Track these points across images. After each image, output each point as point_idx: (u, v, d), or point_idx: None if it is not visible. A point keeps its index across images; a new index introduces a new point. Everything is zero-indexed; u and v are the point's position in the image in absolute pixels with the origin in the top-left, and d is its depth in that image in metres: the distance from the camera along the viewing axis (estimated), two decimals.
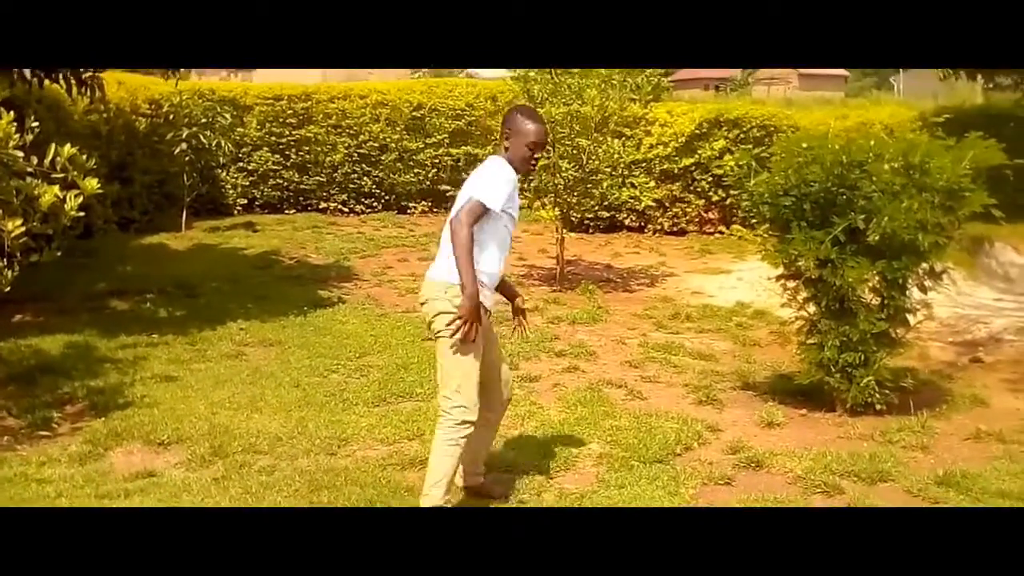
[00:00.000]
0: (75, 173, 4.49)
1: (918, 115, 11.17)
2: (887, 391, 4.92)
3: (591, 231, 11.77)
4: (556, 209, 8.87)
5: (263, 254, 9.56)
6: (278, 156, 12.22)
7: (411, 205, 12.55)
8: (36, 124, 4.53)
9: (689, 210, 11.79)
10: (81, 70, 6.56)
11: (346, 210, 12.45)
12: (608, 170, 8.93)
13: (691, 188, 11.71)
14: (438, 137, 12.29)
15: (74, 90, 6.72)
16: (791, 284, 5.16)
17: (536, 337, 6.47)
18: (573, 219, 10.29)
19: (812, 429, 4.82)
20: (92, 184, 4.51)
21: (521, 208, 3.94)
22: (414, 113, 12.29)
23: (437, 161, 12.35)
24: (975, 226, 6.08)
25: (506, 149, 3.53)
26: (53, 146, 4.44)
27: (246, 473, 3.95)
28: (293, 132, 12.17)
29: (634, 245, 11.14)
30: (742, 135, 11.30)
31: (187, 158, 10.64)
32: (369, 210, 12.49)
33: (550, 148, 7.85)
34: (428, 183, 12.43)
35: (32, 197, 4.32)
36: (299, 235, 10.77)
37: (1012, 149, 4.92)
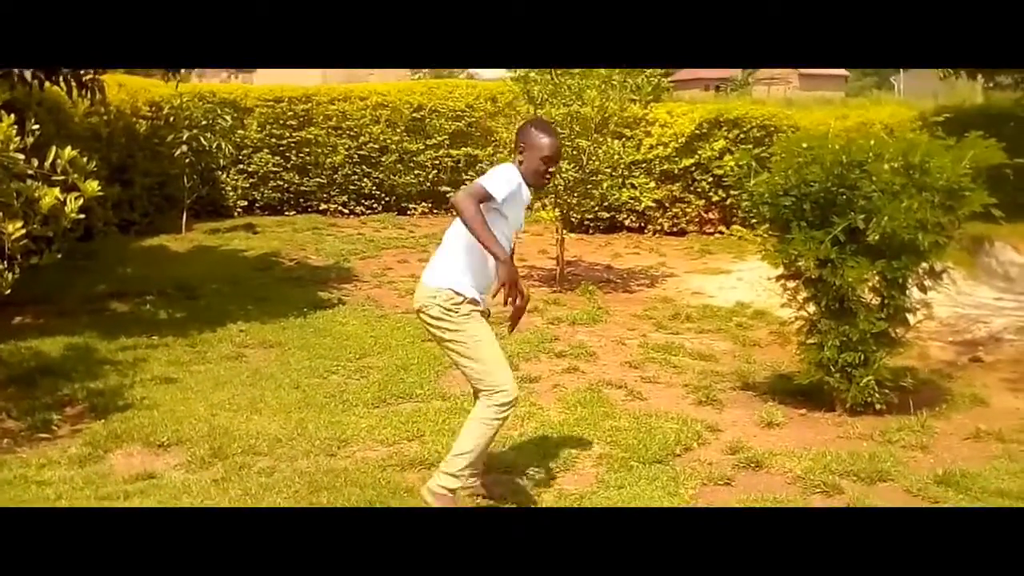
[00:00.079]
0: (75, 175, 4.49)
1: (918, 115, 11.17)
2: (887, 391, 4.92)
3: (591, 232, 11.78)
4: (556, 210, 8.87)
5: (263, 256, 9.56)
6: (278, 158, 12.23)
7: (411, 206, 12.56)
8: (37, 127, 4.53)
9: (689, 210, 11.79)
10: (82, 72, 6.57)
11: (346, 211, 12.46)
12: (608, 171, 8.93)
13: (691, 188, 11.71)
14: (438, 138, 12.30)
15: (75, 92, 6.72)
16: (791, 284, 5.16)
17: (536, 338, 6.48)
18: (573, 220, 10.30)
19: (812, 429, 4.82)
20: (92, 186, 4.51)
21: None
22: (414, 114, 12.29)
23: (437, 162, 12.36)
24: (975, 225, 6.08)
25: (520, 163, 3.55)
26: (54, 148, 4.44)
27: (246, 475, 3.95)
28: (293, 134, 12.18)
29: (634, 246, 11.15)
30: (742, 135, 11.30)
31: (187, 160, 10.65)
32: (369, 211, 12.50)
33: None
34: (428, 184, 12.44)
35: (32, 199, 4.32)
36: (299, 237, 10.78)
37: (1012, 148, 4.92)
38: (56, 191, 4.37)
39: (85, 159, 4.53)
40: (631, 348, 6.45)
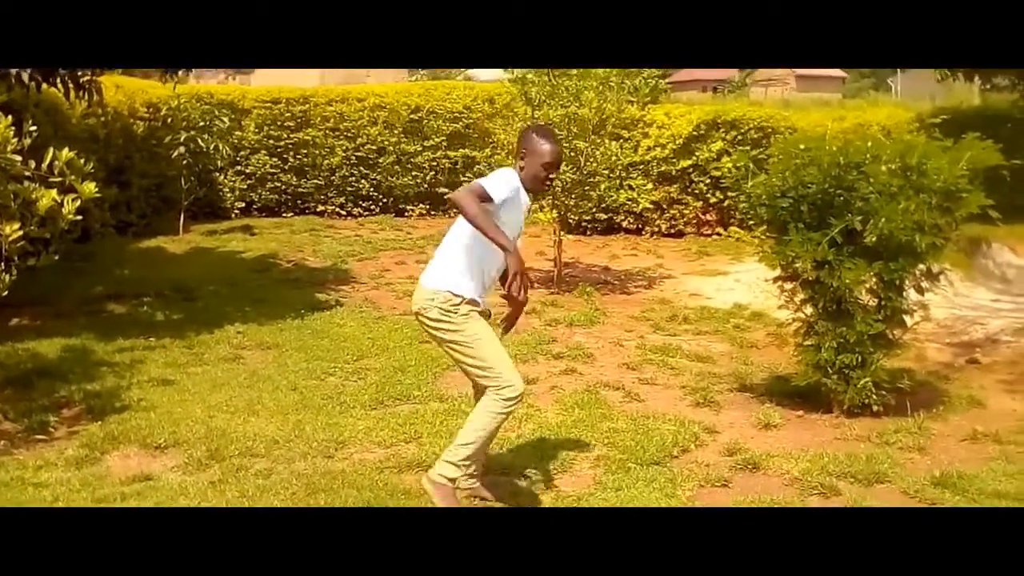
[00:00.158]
0: (73, 177, 4.48)
1: (915, 116, 11.20)
2: (884, 392, 4.92)
3: (589, 233, 11.78)
4: (554, 211, 8.88)
5: (261, 257, 9.56)
6: (276, 159, 12.23)
7: (409, 208, 12.56)
8: (34, 128, 4.53)
9: (687, 212, 11.80)
10: (79, 73, 6.56)
11: (344, 213, 12.46)
12: (606, 172, 8.94)
13: (689, 190, 11.72)
14: (436, 140, 12.30)
15: (72, 94, 6.71)
16: (788, 286, 5.16)
17: (533, 339, 6.48)
18: (571, 221, 10.30)
19: (809, 431, 4.83)
20: (90, 188, 4.50)
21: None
22: (412, 116, 12.29)
23: (435, 164, 12.36)
24: (972, 227, 6.08)
25: (521, 169, 3.56)
26: (51, 150, 4.44)
27: (243, 476, 3.95)
28: (291, 135, 12.17)
29: (632, 247, 11.15)
30: (740, 137, 11.32)
31: (185, 162, 10.64)
32: (367, 213, 12.49)
33: None
34: (426, 186, 12.43)
35: (30, 201, 4.31)
36: (297, 238, 10.77)
37: (1009, 150, 4.93)
38: (53, 193, 4.36)
39: (82, 160, 4.53)
40: (629, 350, 6.45)
